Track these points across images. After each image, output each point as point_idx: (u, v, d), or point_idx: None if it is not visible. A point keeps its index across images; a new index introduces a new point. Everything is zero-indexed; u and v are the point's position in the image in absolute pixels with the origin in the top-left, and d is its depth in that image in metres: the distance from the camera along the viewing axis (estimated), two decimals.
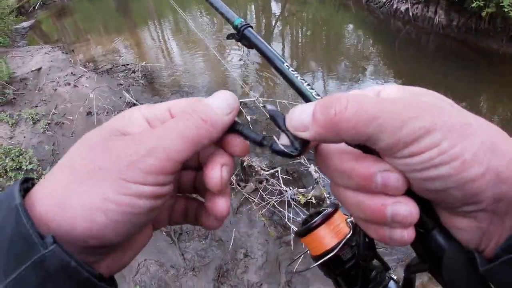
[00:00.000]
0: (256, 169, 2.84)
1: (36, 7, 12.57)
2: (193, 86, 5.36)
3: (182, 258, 2.73)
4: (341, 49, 6.75)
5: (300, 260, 2.35)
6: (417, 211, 0.27)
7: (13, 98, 4.98)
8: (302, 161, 3.09)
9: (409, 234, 0.28)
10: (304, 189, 2.97)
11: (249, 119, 3.42)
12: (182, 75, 5.83)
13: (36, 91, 5.21)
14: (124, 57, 6.83)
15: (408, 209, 0.27)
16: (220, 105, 0.31)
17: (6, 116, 4.45)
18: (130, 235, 0.30)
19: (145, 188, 0.28)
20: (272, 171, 2.86)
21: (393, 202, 0.27)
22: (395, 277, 0.38)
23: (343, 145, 0.29)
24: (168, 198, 0.31)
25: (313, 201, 2.88)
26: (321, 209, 0.39)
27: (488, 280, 0.27)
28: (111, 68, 5.97)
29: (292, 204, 2.77)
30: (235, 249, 2.75)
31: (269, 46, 0.36)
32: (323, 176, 3.01)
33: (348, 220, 0.38)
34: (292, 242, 2.69)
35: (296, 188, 2.78)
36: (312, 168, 3.02)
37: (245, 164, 2.78)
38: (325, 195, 2.91)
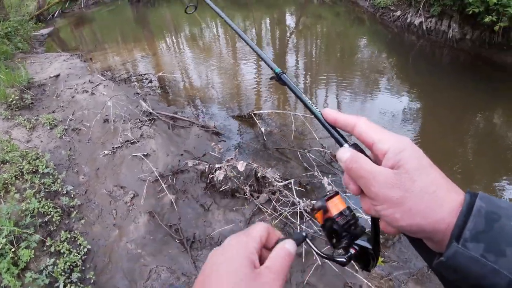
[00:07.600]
0: (270, 180, 2.85)
1: (55, 15, 12.95)
2: (207, 97, 5.45)
3: (193, 266, 2.74)
4: (355, 63, 6.78)
5: (311, 271, 2.31)
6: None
7: (31, 103, 5.08)
8: (316, 173, 3.09)
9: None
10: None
11: (263, 130, 3.44)
12: (197, 86, 5.94)
13: (54, 97, 5.32)
14: (141, 67, 6.97)
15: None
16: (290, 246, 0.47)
17: (24, 120, 4.50)
18: None
19: None
20: (285, 182, 2.86)
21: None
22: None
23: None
24: None
25: None
26: (326, 194, 0.54)
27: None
28: (128, 77, 6.08)
29: (305, 216, 2.77)
30: None
31: (296, 88, 0.58)
32: (336, 189, 3.01)
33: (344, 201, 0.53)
34: (303, 254, 2.68)
35: (309, 200, 2.78)
36: (325, 180, 3.01)
37: (258, 174, 2.80)
38: None
